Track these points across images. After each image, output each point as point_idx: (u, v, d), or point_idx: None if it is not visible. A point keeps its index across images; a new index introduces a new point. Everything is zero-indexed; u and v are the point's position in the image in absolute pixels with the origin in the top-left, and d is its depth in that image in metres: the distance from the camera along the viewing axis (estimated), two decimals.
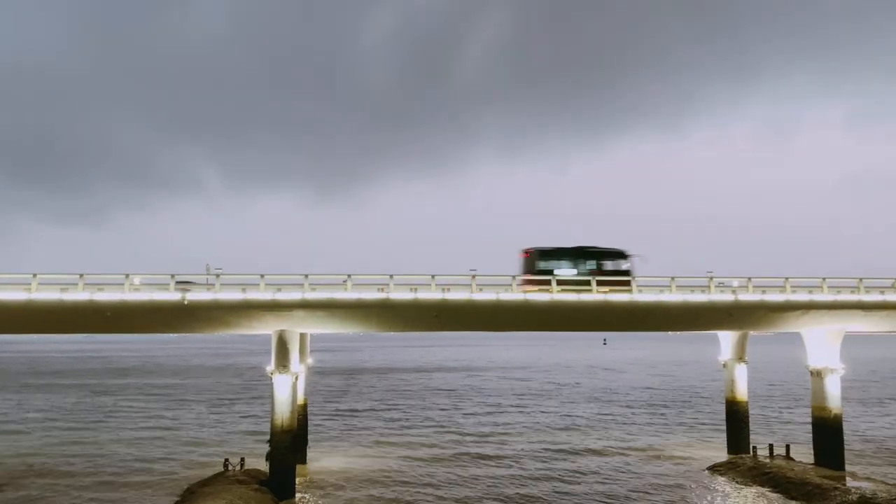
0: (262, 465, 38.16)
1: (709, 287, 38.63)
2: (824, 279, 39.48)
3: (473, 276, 36.69)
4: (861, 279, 39.82)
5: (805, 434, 48.56)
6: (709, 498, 35.37)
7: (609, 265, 41.99)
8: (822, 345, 40.82)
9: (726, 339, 46.94)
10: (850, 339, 41.83)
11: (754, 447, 43.35)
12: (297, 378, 37.01)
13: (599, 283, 38.09)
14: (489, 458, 46.84)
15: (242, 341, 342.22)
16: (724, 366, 47.03)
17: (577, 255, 41.96)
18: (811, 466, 39.70)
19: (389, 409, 74.53)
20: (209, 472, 39.32)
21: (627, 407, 77.24)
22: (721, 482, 38.58)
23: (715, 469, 41.53)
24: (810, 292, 39.33)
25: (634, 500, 35.52)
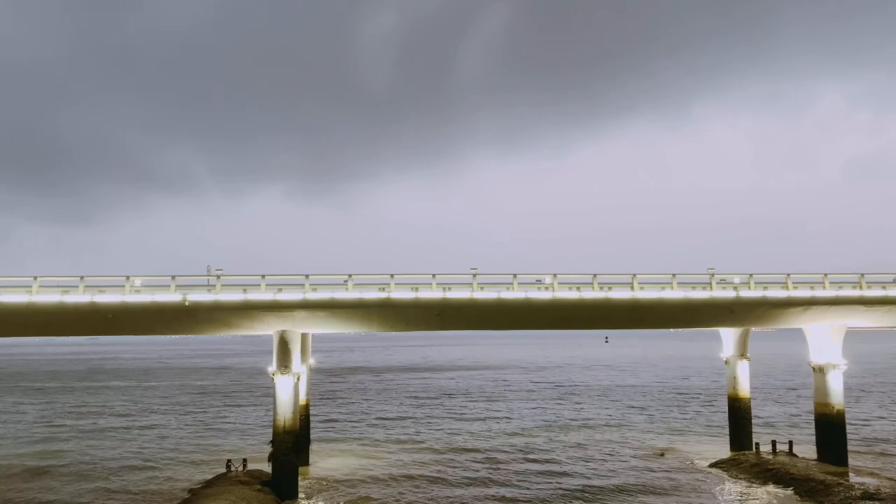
0: (265, 466, 38.12)
1: (710, 284, 38.56)
2: (825, 275, 39.39)
3: (474, 275, 36.65)
4: (863, 274, 39.72)
5: (808, 430, 48.51)
6: (712, 495, 35.30)
7: None
8: (824, 341, 40.75)
9: (728, 336, 46.87)
10: (852, 335, 41.71)
11: (757, 444, 43.30)
12: (298, 378, 36.95)
13: None
14: (491, 457, 46.76)
15: (243, 342, 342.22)
16: (726, 362, 46.96)
17: None
18: (814, 462, 39.65)
19: (392, 410, 74.53)
20: (212, 474, 39.33)
21: (629, 404, 77.18)
22: (724, 479, 38.51)
23: (718, 466, 41.46)
24: (812, 288, 39.22)
25: (638, 497, 35.45)
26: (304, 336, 42.82)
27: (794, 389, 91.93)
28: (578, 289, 37.61)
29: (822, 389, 40.52)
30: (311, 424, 48.37)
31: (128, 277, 34.33)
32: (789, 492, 34.68)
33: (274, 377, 35.86)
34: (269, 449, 37.31)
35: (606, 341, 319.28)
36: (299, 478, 36.15)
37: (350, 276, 35.95)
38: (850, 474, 37.67)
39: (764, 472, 38.13)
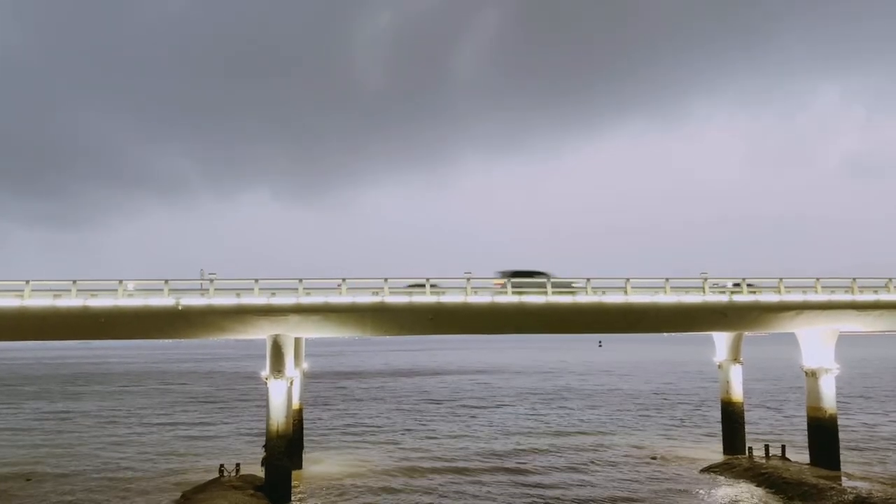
0: (258, 471, 37.99)
1: (703, 288, 38.73)
2: (818, 279, 39.63)
3: (468, 279, 36.71)
4: (854, 279, 39.99)
5: (801, 434, 48.69)
6: (705, 499, 35.37)
7: None
8: (817, 345, 40.94)
9: (721, 340, 47.05)
10: (844, 339, 41.95)
11: (750, 448, 43.44)
12: (292, 383, 36.91)
13: None
14: (484, 463, 46.77)
15: (236, 346, 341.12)
16: (719, 367, 47.12)
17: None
18: (807, 466, 39.79)
19: (384, 415, 74.38)
20: (204, 479, 39.11)
21: (621, 409, 77.26)
22: (717, 483, 38.60)
23: (711, 470, 41.56)
24: (804, 293, 39.47)
25: (629, 503, 35.49)
26: (297, 340, 42.71)
27: (786, 394, 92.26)
28: (573, 293, 37.73)
29: (814, 394, 40.68)
30: (305, 429, 48.24)
31: (121, 281, 34.23)
32: (782, 496, 34.79)
33: (267, 382, 35.79)
34: (262, 453, 37.20)
35: (600, 345, 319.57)
36: (293, 482, 36.07)
37: (344, 280, 35.95)
38: (843, 478, 37.80)
39: (757, 477, 38.24)
